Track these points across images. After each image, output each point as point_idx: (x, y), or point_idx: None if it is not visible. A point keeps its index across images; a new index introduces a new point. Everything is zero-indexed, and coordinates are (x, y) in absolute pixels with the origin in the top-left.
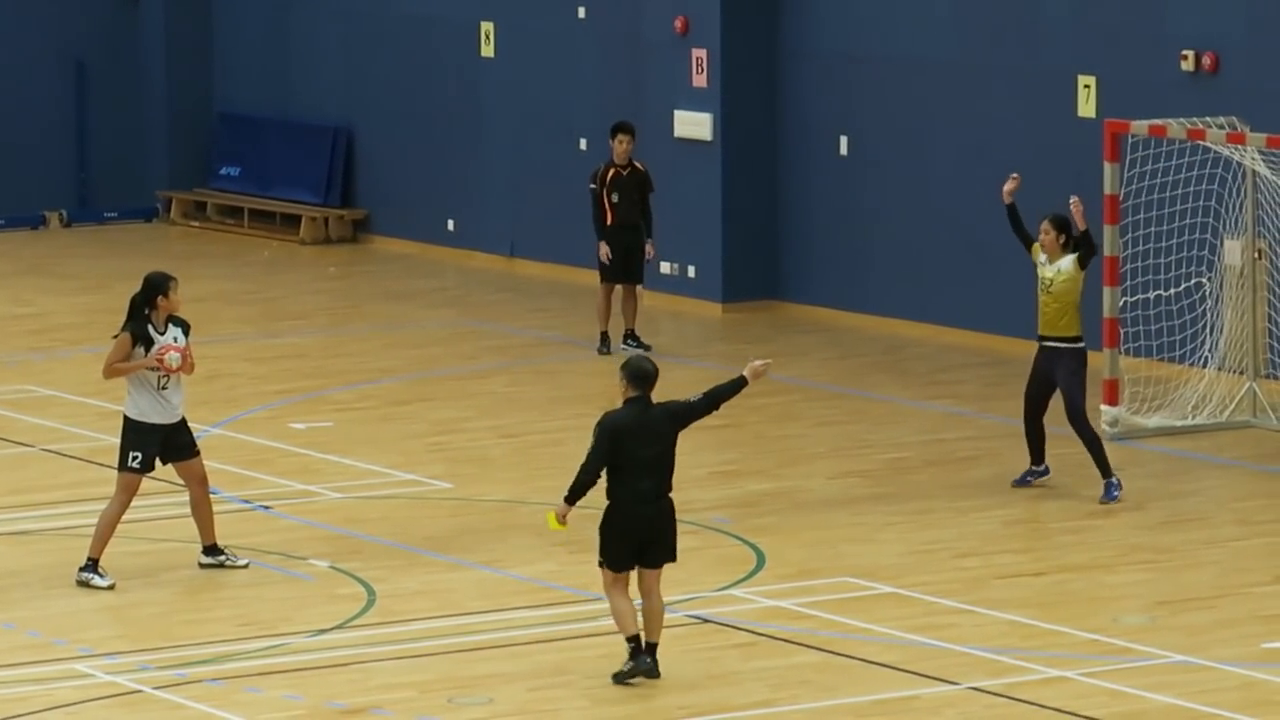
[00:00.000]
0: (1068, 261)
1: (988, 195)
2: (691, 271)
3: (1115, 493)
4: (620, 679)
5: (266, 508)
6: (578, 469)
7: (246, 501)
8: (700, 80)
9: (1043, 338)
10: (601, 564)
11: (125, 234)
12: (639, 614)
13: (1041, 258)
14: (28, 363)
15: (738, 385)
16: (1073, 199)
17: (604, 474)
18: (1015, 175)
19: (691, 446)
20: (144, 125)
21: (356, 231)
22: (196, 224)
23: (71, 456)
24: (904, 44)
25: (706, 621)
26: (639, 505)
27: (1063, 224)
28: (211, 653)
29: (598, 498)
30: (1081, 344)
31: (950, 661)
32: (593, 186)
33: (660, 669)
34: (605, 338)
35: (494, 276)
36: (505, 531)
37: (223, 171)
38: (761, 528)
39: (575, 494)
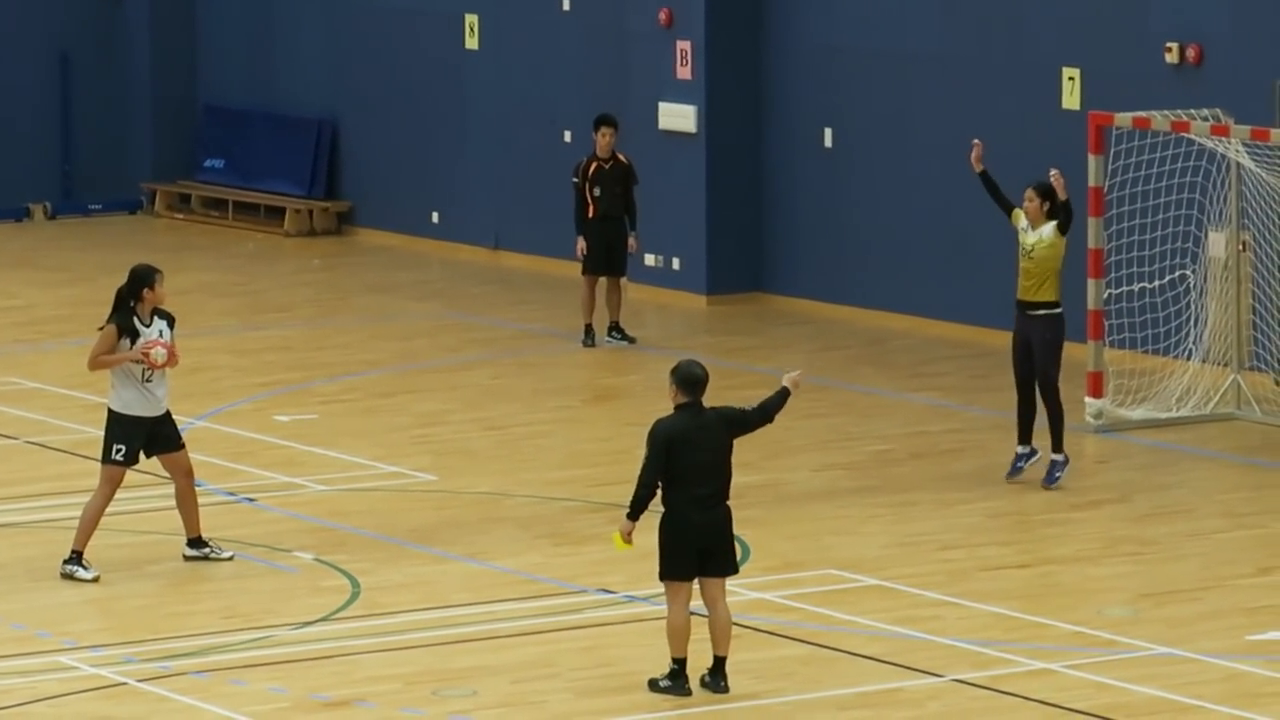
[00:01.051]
0: (1049, 229)
1: (972, 188)
2: (676, 264)
3: (1058, 474)
4: (654, 687)
5: (251, 500)
6: (635, 483)
7: (231, 494)
8: (684, 72)
9: (1021, 304)
10: (663, 577)
11: (110, 226)
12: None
13: (1023, 224)
14: (12, 355)
15: (784, 396)
16: (1053, 170)
17: (660, 484)
18: (977, 140)
19: None
20: (128, 117)
21: (341, 224)
22: (181, 216)
23: (56, 449)
24: (888, 36)
25: (691, 614)
26: (697, 512)
27: (1046, 191)
28: (196, 645)
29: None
30: (1059, 310)
31: (934, 654)
32: (575, 180)
33: (728, 683)
34: (589, 330)
35: (478, 269)
36: (490, 524)
37: (207, 164)
38: (746, 520)
39: (637, 509)
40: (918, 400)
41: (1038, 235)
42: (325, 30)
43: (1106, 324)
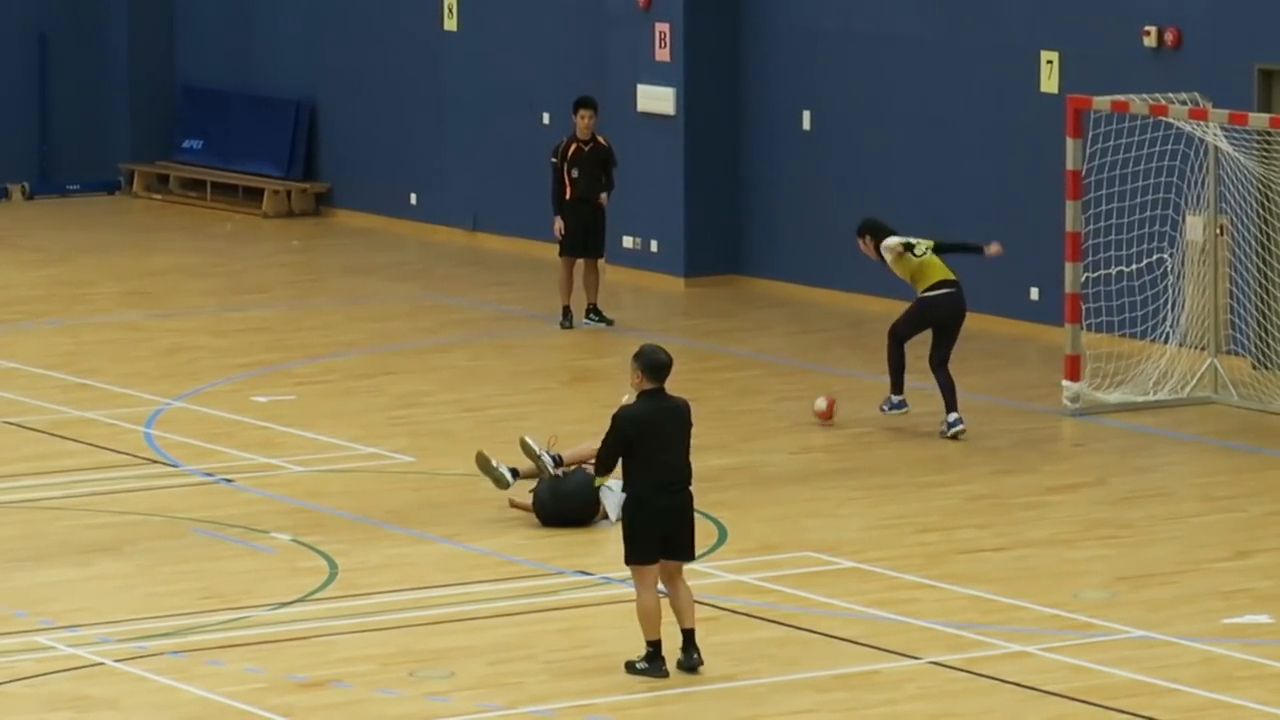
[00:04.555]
0: (886, 253)
1: (950, 171)
2: (654, 246)
3: (885, 408)
4: (631, 669)
5: (229, 480)
6: (600, 453)
7: (209, 474)
8: (663, 55)
9: None
10: (629, 562)
11: (88, 207)
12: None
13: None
14: None
15: None
16: (994, 248)
17: (623, 469)
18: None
19: None
20: (107, 98)
21: (319, 205)
22: (159, 197)
23: (33, 429)
24: (867, 19)
25: (668, 595)
26: (664, 497)
27: (869, 228)
28: (173, 625)
29: None
30: (919, 297)
31: (911, 636)
32: (554, 160)
33: (700, 655)
34: (567, 312)
35: (456, 250)
36: (467, 505)
37: (185, 144)
38: (723, 502)
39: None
40: None
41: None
42: (304, 11)
43: (1084, 307)
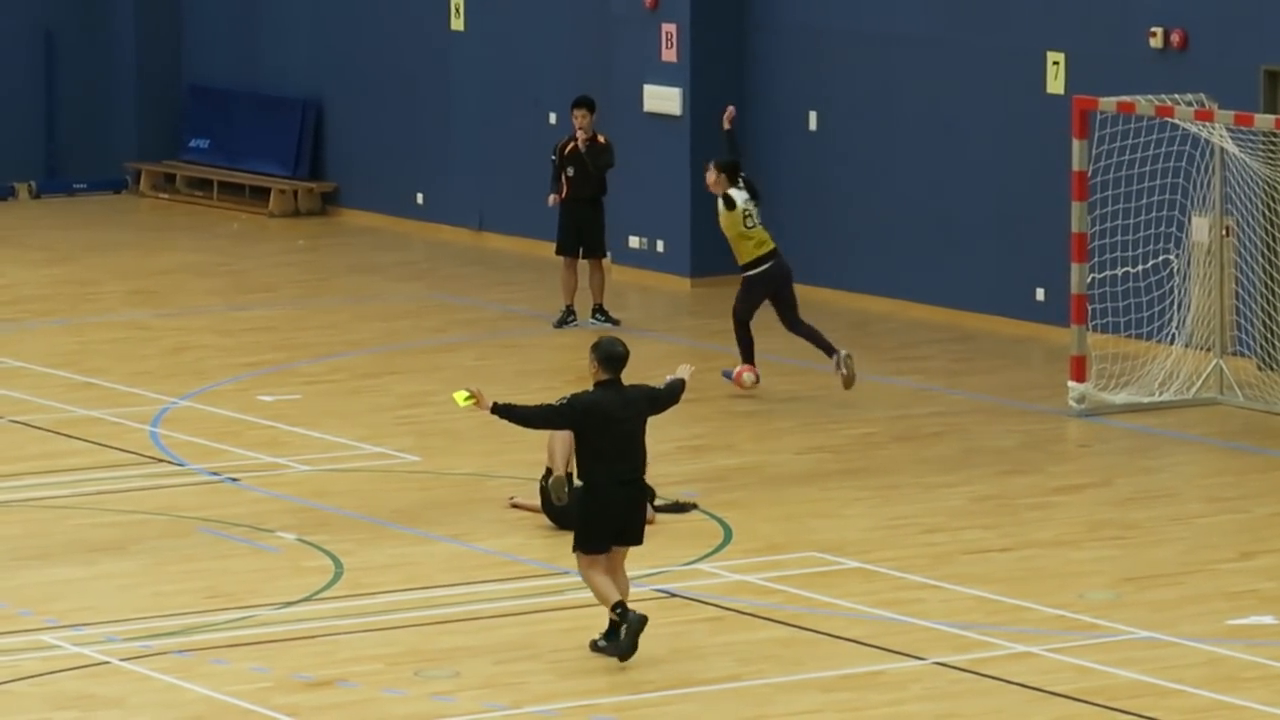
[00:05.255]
0: (720, 203)
1: (956, 172)
2: (660, 246)
3: (728, 376)
4: (595, 648)
5: (234, 480)
6: (531, 405)
7: (215, 474)
8: (670, 55)
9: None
10: (578, 550)
11: (94, 205)
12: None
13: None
14: None
15: (682, 384)
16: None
17: (577, 459)
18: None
19: (659, 421)
20: (113, 97)
21: (325, 204)
22: (165, 196)
23: (39, 428)
24: (873, 19)
25: (674, 596)
26: (619, 488)
27: (722, 165)
28: (178, 624)
29: None
30: (746, 273)
31: (916, 637)
32: (553, 158)
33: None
34: (570, 310)
35: (462, 250)
36: (473, 505)
37: (192, 144)
38: (729, 502)
39: (507, 412)
40: (901, 383)
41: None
42: (311, 11)
43: (1090, 308)
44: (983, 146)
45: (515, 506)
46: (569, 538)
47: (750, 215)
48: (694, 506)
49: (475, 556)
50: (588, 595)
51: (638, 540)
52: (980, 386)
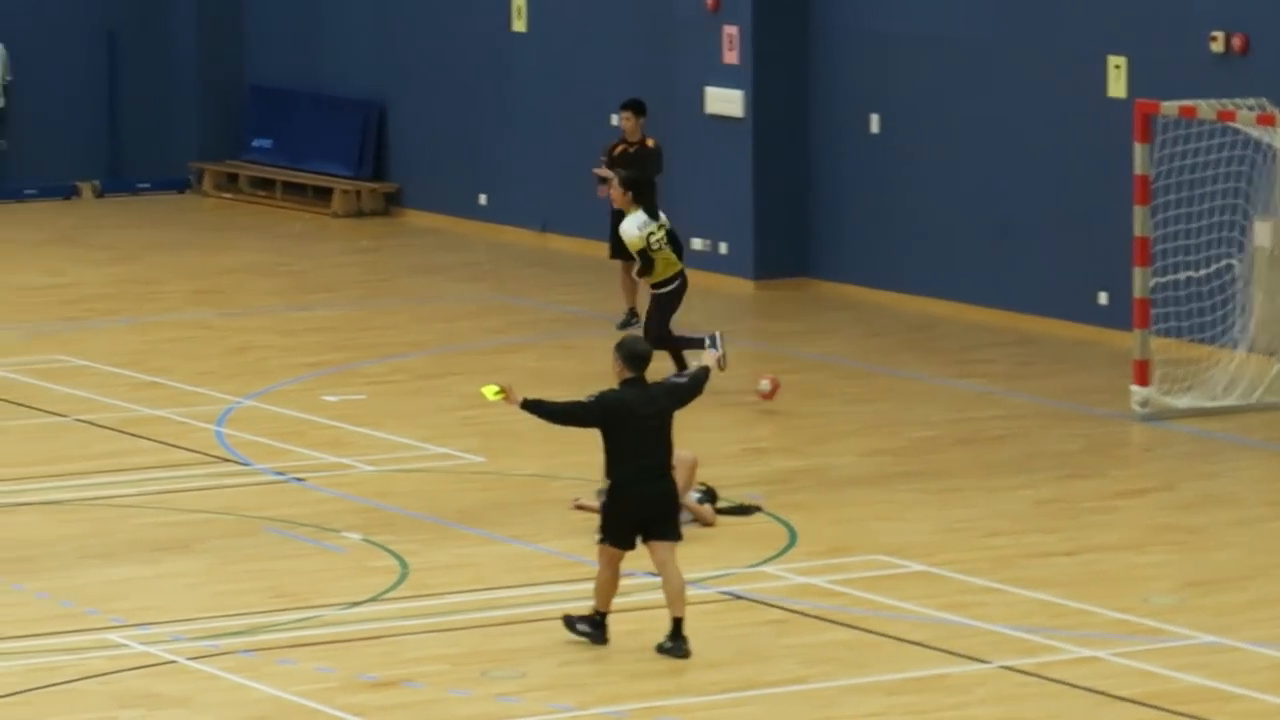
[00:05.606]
0: (626, 230)
1: (1017, 175)
2: (723, 248)
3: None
4: (571, 625)
5: (300, 480)
6: (559, 402)
7: (280, 473)
8: (731, 57)
9: None
10: (602, 541)
11: (157, 205)
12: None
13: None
14: (60, 333)
15: (707, 372)
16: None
17: (605, 456)
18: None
19: (722, 423)
20: (176, 96)
21: (388, 205)
22: (228, 195)
23: (103, 426)
24: (935, 22)
25: (739, 598)
26: (646, 484)
27: (624, 180)
28: (244, 624)
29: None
30: (656, 290)
31: (980, 640)
32: (602, 159)
33: (689, 645)
34: (632, 313)
35: (524, 251)
36: (537, 506)
37: (255, 143)
38: (792, 505)
39: (536, 408)
40: (962, 386)
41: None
42: (373, 11)
43: (1152, 312)
44: (1044, 150)
45: (579, 508)
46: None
47: (655, 235)
48: (758, 509)
49: (539, 557)
50: (653, 597)
51: (673, 535)
52: (1042, 390)
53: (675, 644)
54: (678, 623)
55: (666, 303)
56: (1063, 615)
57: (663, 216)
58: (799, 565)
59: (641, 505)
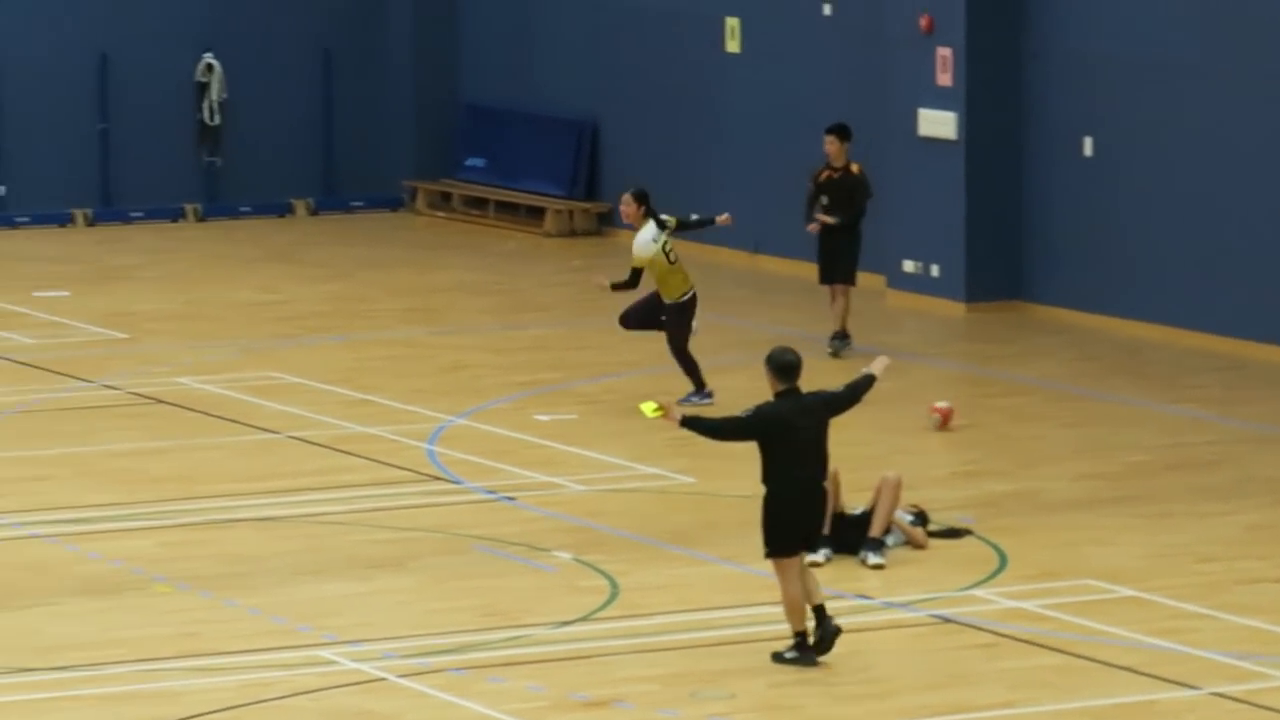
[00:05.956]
0: (639, 244)
1: (1231, 198)
2: (935, 270)
3: (697, 398)
4: (780, 659)
5: (511, 499)
6: (718, 421)
7: (491, 492)
8: (944, 79)
9: None
10: (770, 555)
11: (371, 223)
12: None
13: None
14: (274, 350)
15: (870, 381)
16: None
17: (763, 467)
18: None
19: (933, 446)
20: (390, 115)
21: (600, 225)
22: (442, 214)
23: (317, 444)
24: (1149, 44)
25: (948, 621)
26: (806, 494)
27: (636, 195)
28: (455, 642)
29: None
30: (675, 304)
31: (1191, 666)
32: (809, 184)
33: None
34: (839, 335)
35: (736, 272)
36: (748, 527)
37: (468, 162)
38: (1003, 529)
39: (695, 425)
40: (1174, 411)
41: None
42: (586, 31)
43: None
44: (1260, 173)
45: None
46: (843, 562)
47: (668, 246)
48: (969, 532)
49: (750, 579)
50: (863, 619)
51: (813, 545)
52: (1255, 415)
53: (823, 626)
54: (820, 609)
55: (682, 314)
56: (1274, 642)
57: (665, 217)
58: (1009, 589)
59: (803, 514)
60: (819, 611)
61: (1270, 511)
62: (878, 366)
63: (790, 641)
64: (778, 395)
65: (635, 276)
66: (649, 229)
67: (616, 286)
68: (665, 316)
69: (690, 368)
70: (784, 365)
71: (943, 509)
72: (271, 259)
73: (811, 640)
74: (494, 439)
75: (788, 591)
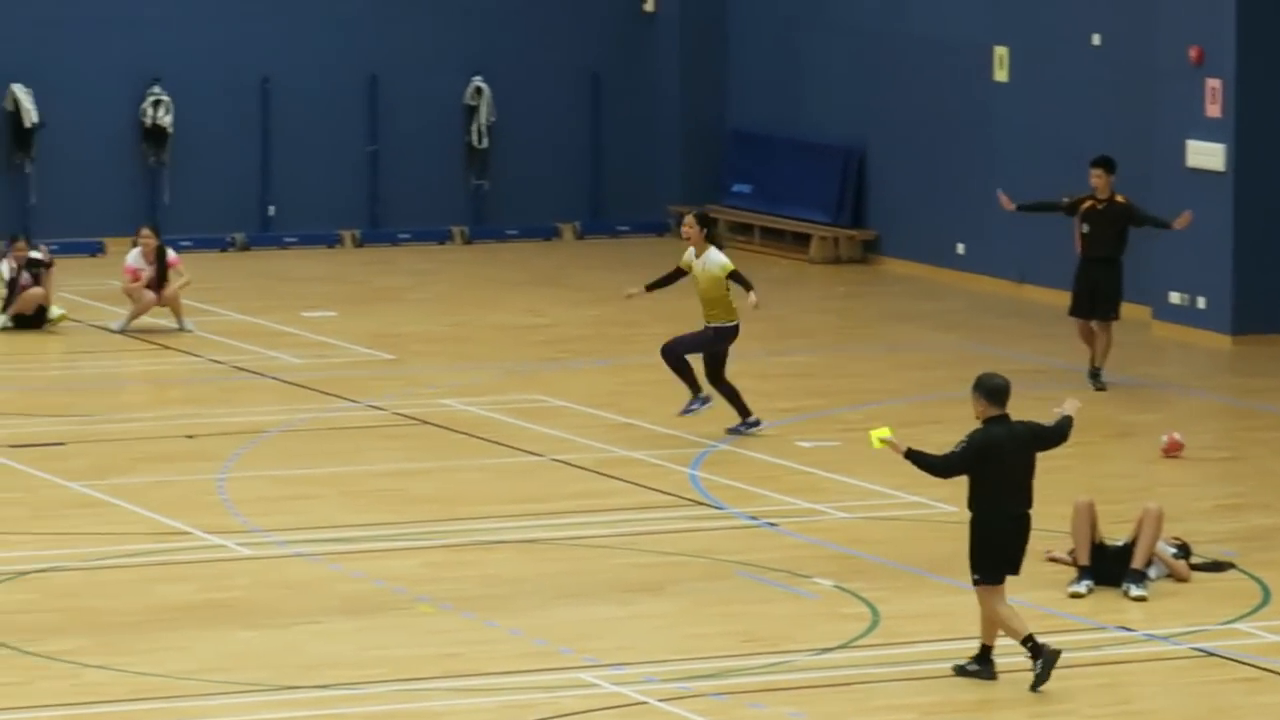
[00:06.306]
0: (712, 263)
1: None
2: (1201, 303)
3: (695, 405)
4: (961, 671)
5: (773, 525)
6: (938, 455)
7: (753, 518)
8: (1214, 110)
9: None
10: (980, 583)
11: (636, 248)
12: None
13: (690, 253)
14: (539, 373)
15: (1070, 422)
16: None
17: (970, 494)
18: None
19: (1196, 479)
20: (657, 140)
21: (866, 252)
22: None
23: (580, 467)
24: None
25: (1210, 655)
26: (1017, 521)
27: (702, 219)
28: (715, 667)
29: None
30: (723, 326)
31: None
32: (1064, 200)
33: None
34: (1095, 372)
35: (1001, 301)
36: None
37: (734, 188)
38: (1268, 562)
39: (916, 459)
40: None
41: (701, 263)
42: (853, 59)
43: None
44: None
45: (1051, 560)
46: (1108, 594)
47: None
48: (1232, 565)
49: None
50: (1125, 651)
51: (1017, 571)
52: None
53: (983, 668)
54: (986, 649)
55: (714, 338)
56: None
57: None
58: (1272, 623)
59: (1013, 540)
60: (1030, 643)
61: None
62: (1070, 408)
63: (1027, 652)
64: (986, 421)
65: (673, 276)
66: (716, 252)
67: (651, 286)
68: (710, 335)
69: (685, 371)
70: (994, 389)
71: (1205, 542)
72: (537, 282)
73: (1033, 675)
74: (756, 465)
75: (1000, 613)
